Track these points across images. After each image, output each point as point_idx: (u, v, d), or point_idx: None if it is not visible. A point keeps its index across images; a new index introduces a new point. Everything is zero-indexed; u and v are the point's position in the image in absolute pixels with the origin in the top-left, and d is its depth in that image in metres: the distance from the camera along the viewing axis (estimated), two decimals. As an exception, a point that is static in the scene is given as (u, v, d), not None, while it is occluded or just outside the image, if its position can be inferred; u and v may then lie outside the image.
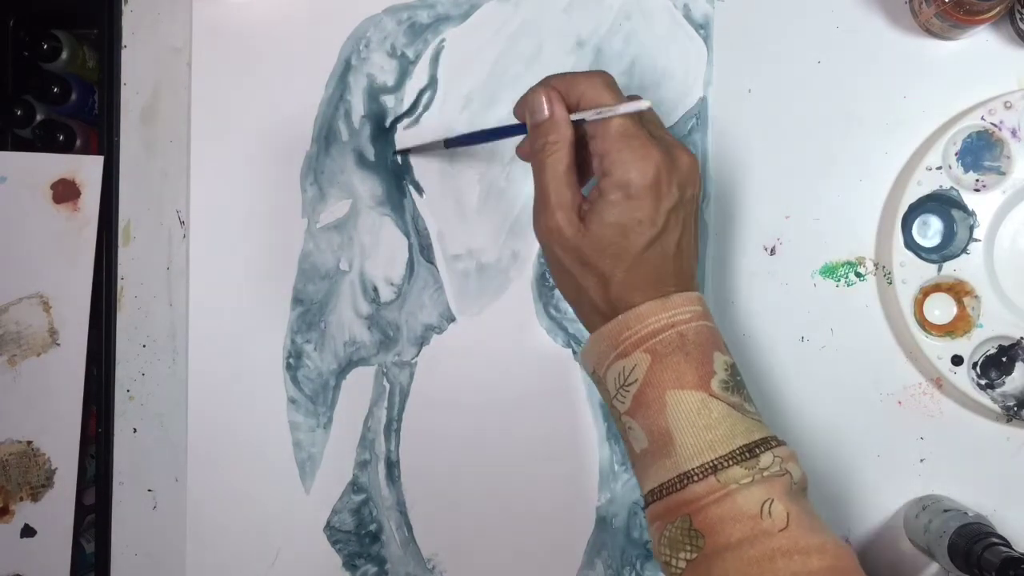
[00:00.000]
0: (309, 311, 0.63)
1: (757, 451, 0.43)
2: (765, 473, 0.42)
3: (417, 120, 0.62)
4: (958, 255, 0.56)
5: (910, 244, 0.56)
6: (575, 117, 0.46)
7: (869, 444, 0.58)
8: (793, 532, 0.41)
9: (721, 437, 0.43)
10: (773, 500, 0.41)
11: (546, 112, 0.46)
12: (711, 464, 0.42)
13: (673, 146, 0.46)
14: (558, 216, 0.45)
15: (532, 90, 0.47)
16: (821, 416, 0.59)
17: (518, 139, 0.52)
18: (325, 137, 0.62)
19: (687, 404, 0.43)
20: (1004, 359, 0.55)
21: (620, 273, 0.45)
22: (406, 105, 0.62)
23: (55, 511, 0.64)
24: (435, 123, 0.62)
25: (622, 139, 0.45)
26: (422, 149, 0.60)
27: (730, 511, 0.41)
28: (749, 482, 0.42)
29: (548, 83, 0.47)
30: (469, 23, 0.61)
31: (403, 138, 0.62)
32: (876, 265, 0.58)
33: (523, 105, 0.48)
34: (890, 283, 0.57)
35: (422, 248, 0.62)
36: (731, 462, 0.42)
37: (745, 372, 0.59)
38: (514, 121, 0.50)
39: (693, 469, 0.42)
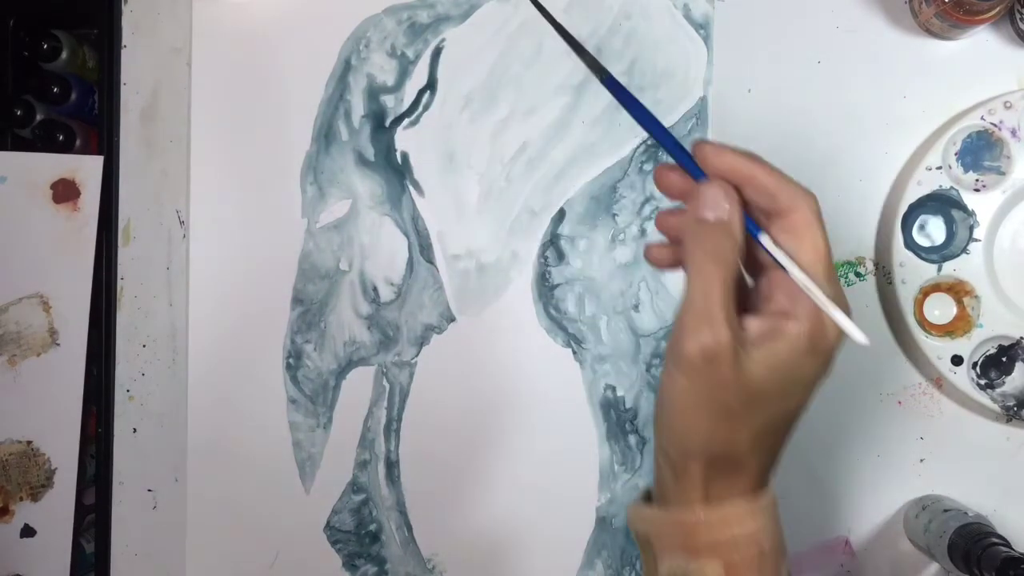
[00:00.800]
0: (309, 311, 0.63)
1: None
2: None
3: (417, 120, 0.62)
4: (958, 255, 0.56)
5: (910, 244, 0.56)
6: (784, 261, 0.36)
7: (869, 444, 0.58)
8: None
9: None
10: None
11: (723, 170, 0.37)
12: None
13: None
14: (727, 336, 0.35)
15: (735, 152, 0.37)
16: (821, 416, 0.59)
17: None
18: (325, 137, 0.62)
19: None
20: (1004, 359, 0.55)
21: (758, 429, 0.37)
22: (406, 105, 0.62)
23: (55, 511, 0.64)
24: (435, 123, 0.62)
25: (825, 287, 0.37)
26: (574, 44, 0.44)
27: None
28: None
29: (753, 164, 0.37)
30: (469, 23, 0.61)
31: (403, 137, 0.62)
32: (876, 265, 0.58)
33: (714, 158, 0.37)
34: (890, 283, 0.57)
35: (422, 248, 0.62)
36: None
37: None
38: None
39: None
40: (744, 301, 0.38)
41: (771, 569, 0.38)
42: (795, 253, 0.37)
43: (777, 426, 0.37)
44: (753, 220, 0.37)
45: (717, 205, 0.37)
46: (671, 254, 0.40)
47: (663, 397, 0.38)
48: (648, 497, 0.40)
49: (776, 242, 0.37)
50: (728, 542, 0.37)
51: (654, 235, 0.60)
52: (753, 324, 0.37)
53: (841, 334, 0.37)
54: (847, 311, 0.37)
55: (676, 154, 0.38)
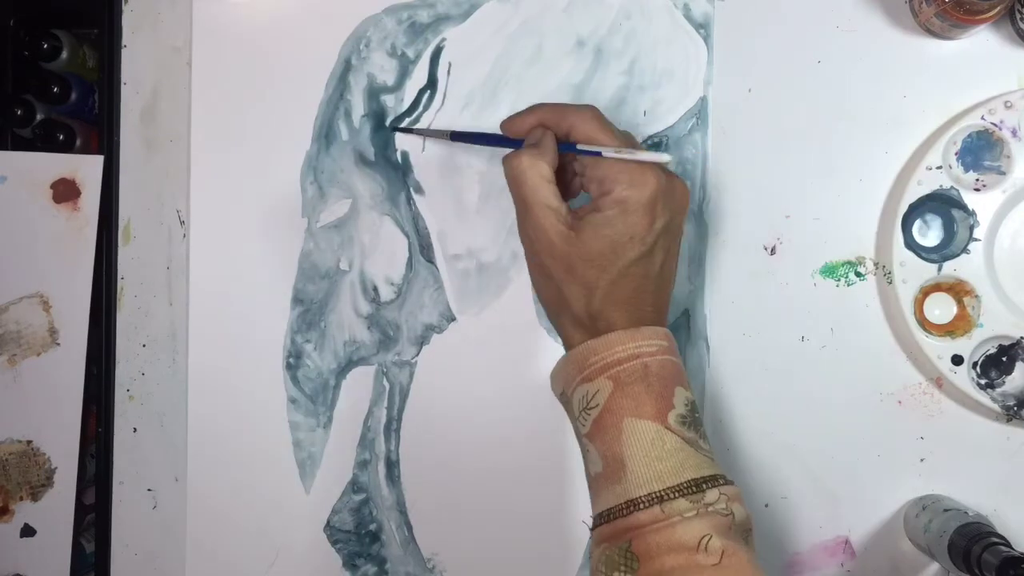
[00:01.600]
0: (309, 311, 0.63)
1: (704, 487, 0.43)
2: (709, 509, 0.43)
3: (417, 120, 0.62)
4: (958, 255, 0.56)
5: (910, 244, 0.56)
6: (595, 150, 0.47)
7: (869, 444, 0.58)
8: (725, 569, 0.42)
9: (671, 469, 0.44)
10: (712, 536, 0.42)
11: (527, 128, 0.50)
12: (658, 494, 0.43)
13: (668, 173, 0.48)
14: (547, 220, 0.47)
15: (521, 112, 0.50)
16: (821, 416, 0.59)
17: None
18: (325, 136, 0.62)
19: (642, 433, 0.44)
20: (1004, 359, 0.55)
21: (604, 284, 0.46)
22: (406, 105, 0.62)
23: (55, 511, 0.64)
24: (435, 123, 0.62)
25: (622, 163, 0.47)
26: (425, 133, 0.61)
27: (668, 540, 0.42)
28: (693, 515, 0.43)
29: (535, 109, 0.50)
30: (469, 23, 0.61)
31: (403, 137, 0.62)
32: (876, 265, 0.58)
33: (511, 123, 0.51)
34: (890, 283, 0.57)
35: (422, 248, 0.62)
36: (677, 494, 0.43)
37: (745, 372, 0.59)
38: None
39: (640, 497, 0.43)
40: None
41: (658, 385, 0.45)
42: (598, 143, 0.48)
43: (626, 278, 0.46)
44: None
45: (532, 137, 0.50)
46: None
47: (532, 282, 0.50)
48: None
49: (581, 145, 0.48)
50: (614, 362, 0.45)
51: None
52: (581, 210, 0.48)
53: (640, 189, 0.46)
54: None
55: (504, 142, 0.52)
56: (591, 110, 0.49)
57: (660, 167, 0.47)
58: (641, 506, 0.43)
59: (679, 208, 0.48)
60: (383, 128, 0.62)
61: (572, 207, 0.49)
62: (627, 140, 0.49)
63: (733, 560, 0.42)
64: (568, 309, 0.47)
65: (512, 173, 0.48)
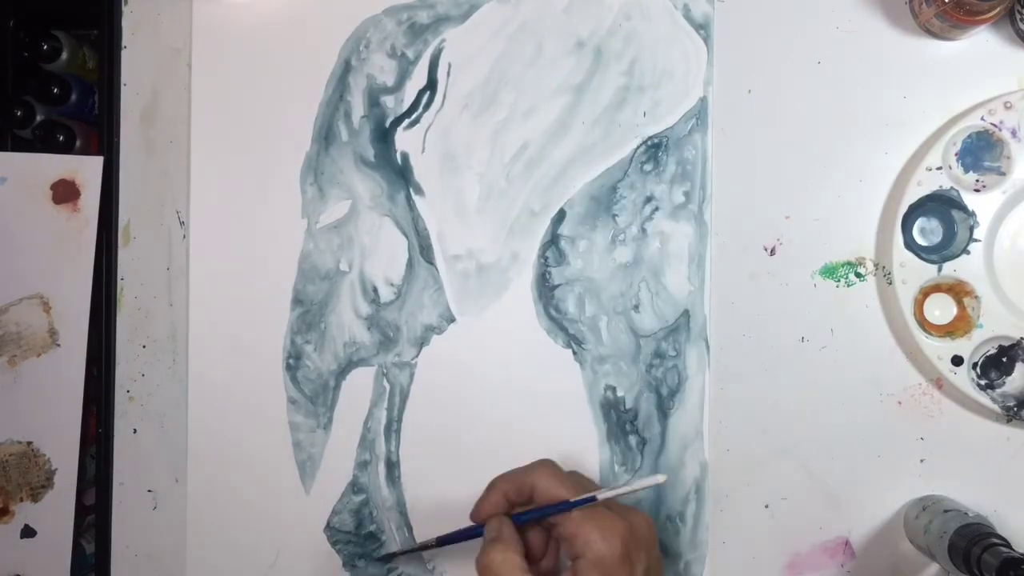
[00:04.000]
0: (309, 311, 0.63)
1: None
2: None
3: (417, 120, 0.62)
4: (958, 255, 0.56)
5: (910, 244, 0.56)
6: (585, 498, 0.48)
7: (869, 444, 0.58)
8: None
9: None
10: None
11: (493, 507, 0.51)
12: None
13: (628, 512, 0.49)
14: None
15: (483, 494, 0.52)
16: (821, 416, 0.59)
17: None
18: (325, 137, 0.62)
19: None
20: (1004, 359, 0.55)
21: None
22: (406, 105, 0.62)
23: (55, 511, 0.64)
24: (435, 123, 0.62)
25: (587, 520, 0.48)
26: (410, 551, 0.61)
27: None
28: None
29: (495, 486, 0.52)
30: (469, 23, 0.61)
31: (403, 137, 0.62)
32: (876, 265, 0.58)
33: (478, 509, 0.52)
34: (890, 283, 0.57)
35: (422, 248, 0.62)
36: None
37: (745, 372, 0.59)
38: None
39: None
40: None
41: None
42: (561, 498, 0.49)
43: None
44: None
45: (489, 530, 0.50)
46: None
47: None
48: None
49: (544, 508, 0.49)
50: None
51: (654, 235, 0.60)
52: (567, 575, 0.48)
53: (608, 543, 0.47)
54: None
55: (473, 533, 0.53)
56: (544, 465, 0.51)
57: (619, 508, 0.49)
58: None
59: (649, 541, 0.49)
60: (383, 132, 0.62)
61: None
62: (580, 483, 0.51)
63: None
64: None
65: (488, 570, 0.48)
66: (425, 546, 0.57)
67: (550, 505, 0.49)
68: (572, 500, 0.48)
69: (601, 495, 0.48)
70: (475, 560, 0.49)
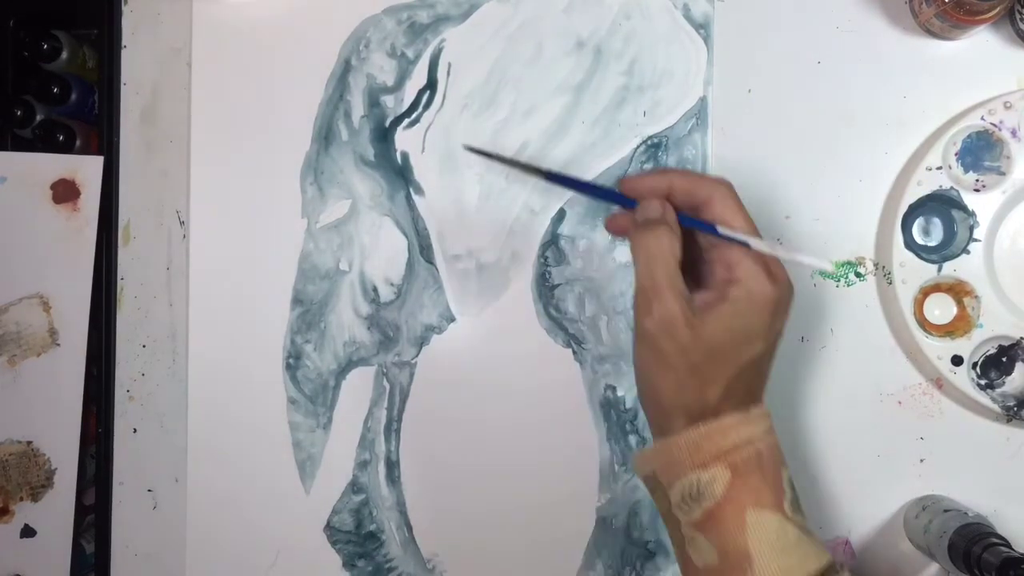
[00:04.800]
0: (309, 311, 0.63)
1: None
2: None
3: (417, 120, 0.62)
4: (958, 255, 0.56)
5: (910, 244, 0.56)
6: (744, 239, 0.44)
7: (869, 444, 0.58)
8: None
9: (797, 563, 0.42)
10: None
11: (652, 190, 0.46)
12: None
13: (788, 273, 0.46)
14: (675, 306, 0.43)
15: (648, 172, 0.47)
16: (821, 416, 0.59)
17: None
18: (325, 137, 0.62)
19: (766, 526, 0.43)
20: (1004, 359, 0.55)
21: (723, 380, 0.44)
22: (406, 105, 0.62)
23: (55, 511, 0.64)
24: (435, 123, 0.62)
25: (759, 255, 0.44)
26: (511, 163, 0.53)
27: None
28: None
29: (665, 173, 0.47)
30: (469, 23, 0.61)
31: (403, 137, 0.62)
32: (876, 265, 0.58)
33: (635, 182, 0.47)
34: (890, 283, 0.57)
35: (422, 248, 0.62)
36: None
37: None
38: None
39: None
40: (696, 283, 0.46)
41: (771, 471, 0.43)
42: (730, 226, 0.45)
43: (744, 373, 0.44)
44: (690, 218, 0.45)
45: (652, 209, 0.45)
46: (627, 224, 0.47)
47: (638, 371, 0.46)
48: None
49: (723, 229, 0.45)
50: (730, 448, 0.43)
51: (654, 235, 0.60)
52: (702, 295, 0.45)
53: (773, 286, 0.44)
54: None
55: (615, 199, 0.47)
56: (728, 187, 0.46)
57: (785, 269, 0.45)
58: None
59: (790, 308, 0.46)
60: (383, 131, 0.62)
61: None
62: (756, 231, 0.46)
63: None
64: (681, 400, 0.44)
65: (647, 249, 0.44)
66: (527, 168, 0.49)
67: (723, 229, 0.45)
68: (749, 240, 0.44)
69: (756, 244, 0.44)
70: (631, 235, 0.45)
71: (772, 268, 0.44)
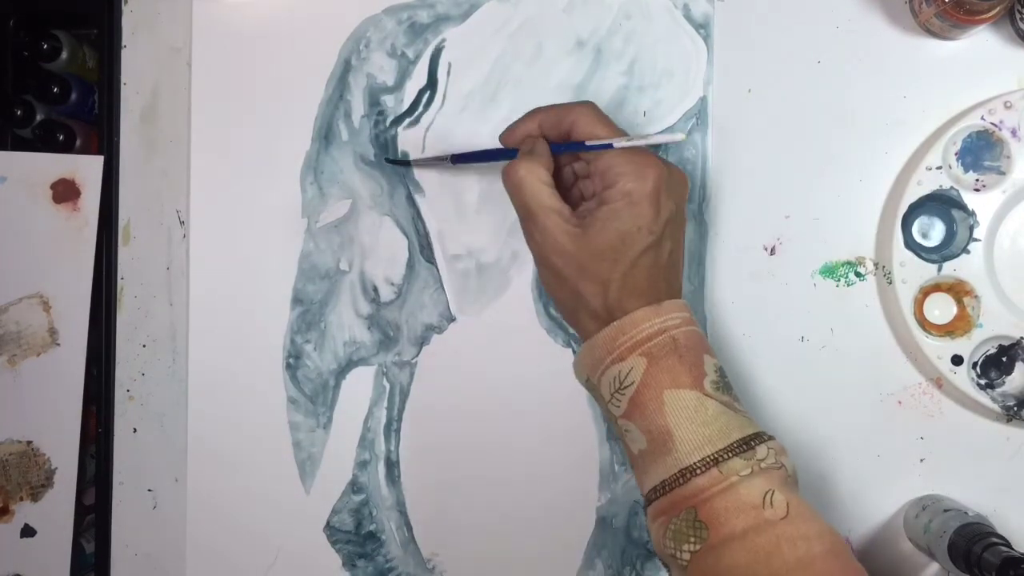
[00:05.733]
0: (309, 311, 0.63)
1: (753, 444, 0.44)
2: (763, 464, 0.44)
3: (417, 120, 0.62)
4: (958, 255, 0.56)
5: (910, 244, 0.56)
6: (605, 143, 0.48)
7: (869, 444, 0.58)
8: (794, 520, 0.43)
9: (718, 432, 0.44)
10: (773, 491, 0.43)
11: (525, 134, 0.51)
12: (712, 457, 0.44)
13: (668, 163, 0.49)
14: (552, 222, 0.48)
15: (519, 119, 0.51)
16: (821, 416, 0.59)
17: None
18: (325, 137, 0.62)
19: (684, 402, 0.45)
20: (1004, 359, 0.55)
21: (618, 277, 0.47)
22: (406, 105, 0.62)
23: (55, 511, 0.64)
24: (435, 124, 0.62)
25: (625, 154, 0.47)
26: (422, 163, 0.61)
27: (734, 502, 0.43)
28: (749, 473, 0.43)
29: (532, 114, 0.51)
30: (469, 23, 0.61)
31: (403, 137, 0.62)
32: (876, 265, 0.58)
33: (510, 132, 0.52)
34: (890, 283, 0.57)
35: (422, 248, 0.62)
36: (730, 454, 0.44)
37: (745, 372, 0.59)
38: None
39: (695, 463, 0.44)
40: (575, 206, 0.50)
41: (689, 355, 0.46)
42: (597, 138, 0.49)
43: (639, 267, 0.47)
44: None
45: (524, 144, 0.50)
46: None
47: (547, 295, 0.52)
48: None
49: (589, 141, 0.49)
50: (643, 338, 0.46)
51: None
52: (585, 207, 0.50)
53: (645, 180, 0.47)
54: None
55: (505, 155, 0.52)
56: (589, 106, 0.50)
57: (660, 157, 0.48)
58: (697, 471, 0.44)
59: (681, 196, 0.49)
60: (383, 128, 0.62)
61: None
62: (620, 129, 0.50)
63: (799, 511, 0.43)
64: (586, 306, 0.48)
65: (511, 182, 0.49)
66: (439, 159, 0.57)
67: (589, 142, 0.49)
68: (611, 141, 0.48)
69: (618, 143, 0.47)
70: (502, 173, 0.50)
71: (640, 165, 0.47)
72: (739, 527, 0.42)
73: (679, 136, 0.47)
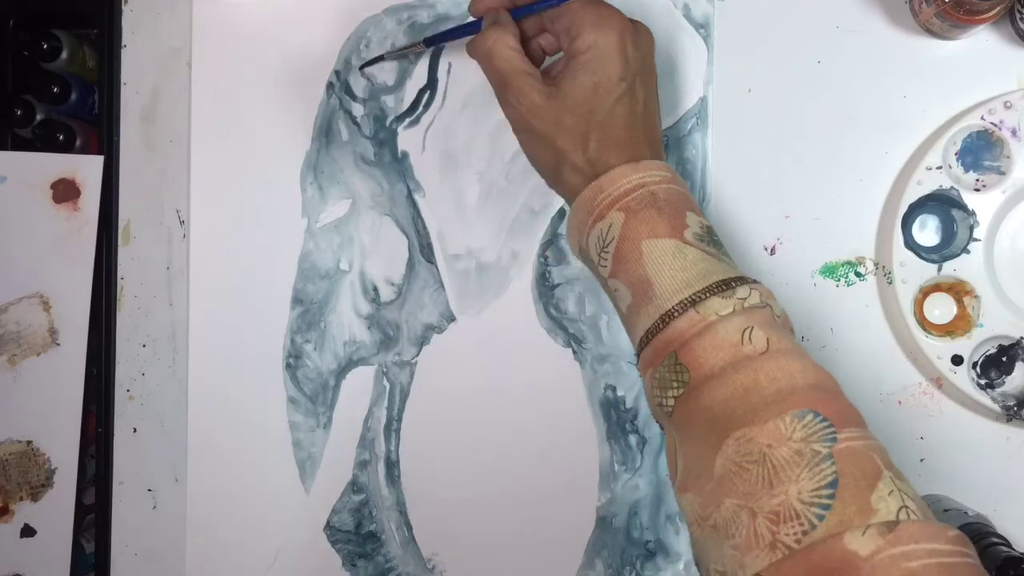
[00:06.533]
0: (309, 311, 0.63)
1: (734, 284, 0.43)
2: (745, 304, 0.43)
3: (417, 120, 0.62)
4: (958, 255, 0.56)
5: (910, 244, 0.56)
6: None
7: (869, 444, 0.58)
8: (774, 355, 0.41)
9: (697, 275, 0.44)
10: (753, 327, 0.42)
11: (493, 16, 0.50)
12: (689, 299, 0.43)
13: (632, 18, 0.49)
14: (525, 84, 0.48)
15: None
16: (821, 416, 0.59)
17: None
18: (325, 137, 0.62)
19: (662, 249, 0.44)
20: (1004, 359, 0.55)
21: (595, 129, 0.47)
22: (406, 105, 0.62)
23: (55, 511, 0.64)
24: (435, 123, 0.62)
25: (586, 7, 0.48)
26: (395, 55, 0.61)
27: (711, 341, 0.42)
28: (729, 312, 0.42)
29: None
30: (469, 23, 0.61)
31: (403, 137, 0.62)
32: (876, 265, 0.58)
33: (476, 2, 0.52)
34: (890, 283, 0.57)
35: (422, 248, 0.62)
36: (709, 295, 0.43)
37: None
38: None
39: (673, 307, 0.43)
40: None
41: (669, 209, 0.46)
42: None
43: (614, 118, 0.47)
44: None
45: (487, 15, 0.50)
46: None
47: (529, 161, 0.51)
48: None
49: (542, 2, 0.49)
50: (621, 194, 0.46)
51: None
52: (554, 67, 0.50)
53: (609, 30, 0.47)
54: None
55: (473, 28, 0.52)
56: None
57: (619, 11, 0.49)
58: (675, 315, 0.43)
59: (647, 46, 0.49)
60: (383, 128, 0.62)
61: None
62: None
63: (781, 345, 0.41)
64: (566, 163, 0.48)
65: (481, 52, 0.49)
66: (413, 45, 0.58)
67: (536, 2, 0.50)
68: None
69: None
70: (467, 45, 0.50)
71: (603, 16, 0.47)
72: (717, 365, 0.41)
73: None
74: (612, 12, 0.48)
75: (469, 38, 0.51)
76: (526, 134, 0.49)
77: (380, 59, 0.60)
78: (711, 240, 0.46)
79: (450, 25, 0.61)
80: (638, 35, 0.48)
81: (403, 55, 0.61)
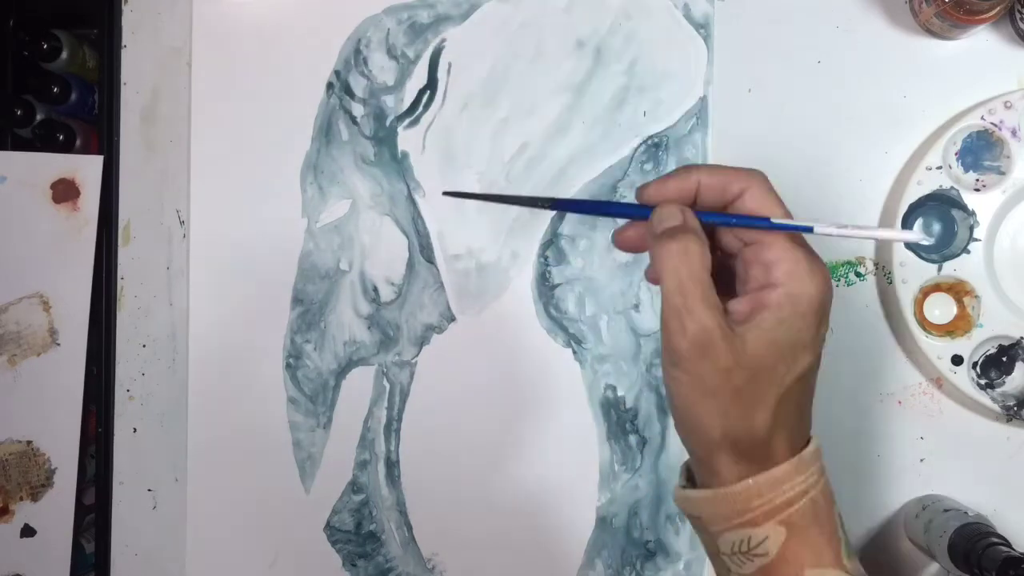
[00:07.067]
0: (309, 311, 0.63)
1: None
2: None
3: (417, 120, 0.62)
4: (958, 255, 0.56)
5: (910, 244, 0.56)
6: (806, 225, 0.39)
7: (869, 444, 0.58)
8: None
9: None
10: None
11: (677, 192, 0.40)
12: None
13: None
14: (711, 322, 0.37)
15: (670, 174, 0.40)
16: (821, 416, 0.58)
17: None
18: (325, 137, 0.62)
19: None
20: (1004, 359, 0.55)
21: (773, 403, 0.38)
22: (406, 105, 0.62)
23: (55, 511, 0.64)
24: (435, 123, 0.62)
25: (795, 249, 0.39)
26: (514, 200, 0.48)
27: None
28: None
29: (689, 172, 0.40)
30: (469, 23, 0.61)
31: (403, 137, 0.62)
32: (876, 265, 0.58)
33: (659, 187, 0.40)
34: (890, 283, 0.57)
35: (422, 248, 0.62)
36: None
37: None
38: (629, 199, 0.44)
39: None
40: (724, 292, 0.39)
41: (827, 520, 0.39)
42: (774, 215, 0.39)
43: (792, 393, 0.38)
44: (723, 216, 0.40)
45: (670, 215, 0.39)
46: (639, 237, 0.42)
47: (672, 400, 0.39)
48: (690, 476, 0.41)
49: (744, 217, 0.39)
50: (783, 504, 0.38)
51: (654, 235, 0.60)
52: (737, 305, 0.39)
53: (817, 286, 0.38)
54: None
55: (628, 212, 0.42)
56: (762, 177, 0.41)
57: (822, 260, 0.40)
58: None
59: (829, 309, 0.40)
60: (383, 128, 0.62)
61: None
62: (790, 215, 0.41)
63: None
64: (726, 432, 0.38)
65: (674, 261, 0.38)
66: (535, 202, 0.43)
67: (753, 217, 0.39)
68: (811, 225, 0.39)
69: (820, 228, 0.39)
70: (653, 247, 0.39)
71: (813, 266, 0.39)
72: None
73: (917, 236, 0.38)
74: (820, 263, 0.39)
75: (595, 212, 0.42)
76: (688, 376, 0.38)
77: (485, 198, 0.52)
78: (849, 547, 0.40)
79: (452, 26, 0.61)
80: (831, 296, 0.39)
81: (517, 204, 0.48)
